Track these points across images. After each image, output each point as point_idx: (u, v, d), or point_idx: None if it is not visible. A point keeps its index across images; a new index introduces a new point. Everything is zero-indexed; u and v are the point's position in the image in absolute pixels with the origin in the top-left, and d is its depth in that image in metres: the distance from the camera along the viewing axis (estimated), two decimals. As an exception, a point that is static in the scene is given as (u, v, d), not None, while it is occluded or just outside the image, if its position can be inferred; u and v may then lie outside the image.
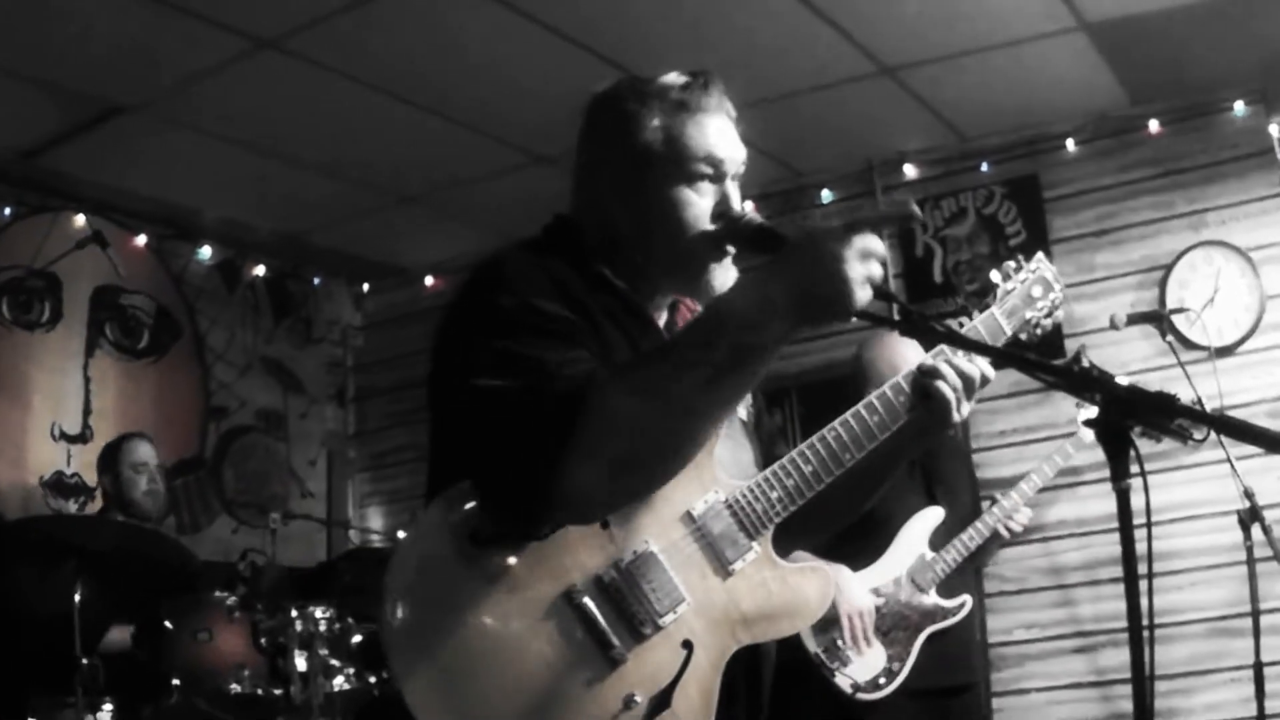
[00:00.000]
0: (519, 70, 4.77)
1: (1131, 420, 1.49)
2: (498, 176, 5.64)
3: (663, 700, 1.64)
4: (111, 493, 4.96)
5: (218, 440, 6.28)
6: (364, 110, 5.01)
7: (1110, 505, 1.50)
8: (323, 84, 4.78)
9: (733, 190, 1.80)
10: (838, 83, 5.01)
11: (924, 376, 1.86)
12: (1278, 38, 4.72)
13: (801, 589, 1.81)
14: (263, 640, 4.08)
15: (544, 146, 5.30)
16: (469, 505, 1.62)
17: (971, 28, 4.62)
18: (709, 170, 1.78)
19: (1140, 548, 1.47)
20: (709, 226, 1.77)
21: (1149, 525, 1.49)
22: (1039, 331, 2.02)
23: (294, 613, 4.06)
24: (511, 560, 1.60)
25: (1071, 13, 4.55)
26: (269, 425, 6.54)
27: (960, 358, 1.87)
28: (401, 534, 5.85)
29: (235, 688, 3.98)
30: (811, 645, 3.44)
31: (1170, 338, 4.57)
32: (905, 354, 3.49)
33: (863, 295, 1.51)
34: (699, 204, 1.77)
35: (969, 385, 1.86)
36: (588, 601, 1.63)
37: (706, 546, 1.74)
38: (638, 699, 1.63)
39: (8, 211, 5.48)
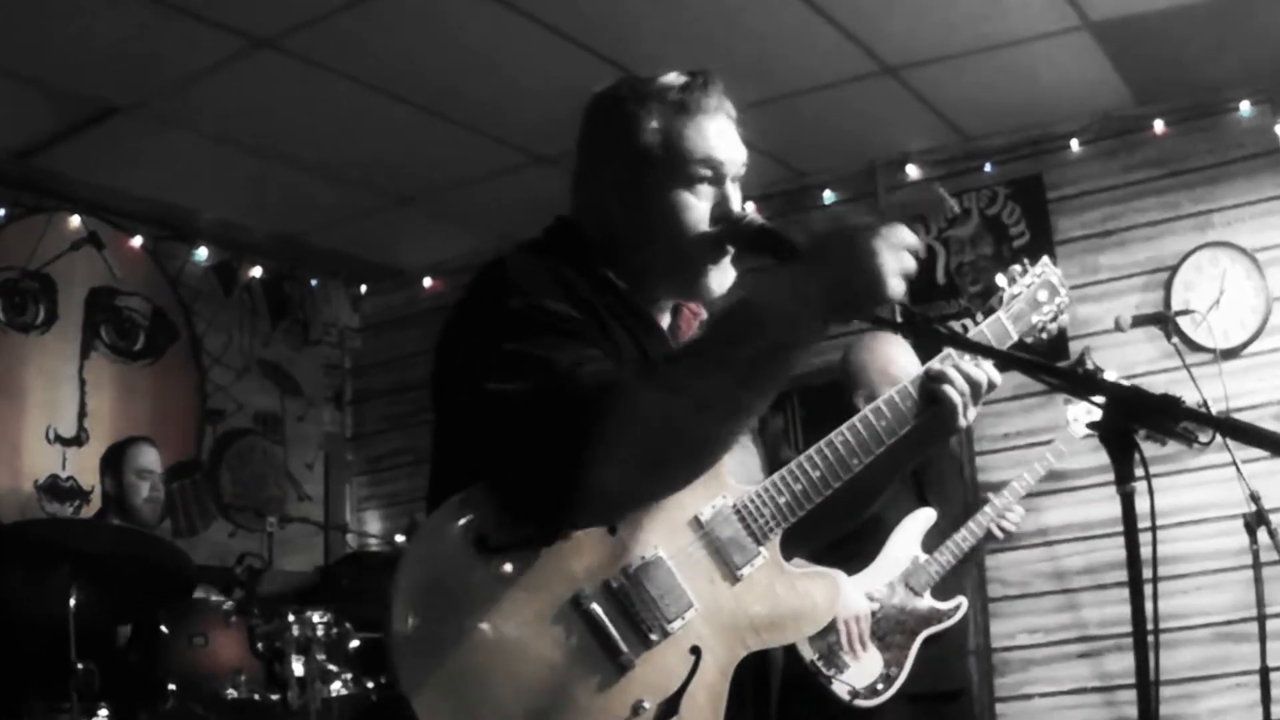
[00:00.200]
0: (519, 70, 4.76)
1: (1136, 423, 1.50)
2: (497, 177, 5.62)
3: (671, 707, 1.63)
4: (112, 495, 4.92)
5: (214, 443, 6.26)
6: (362, 110, 4.99)
7: (1114, 509, 1.51)
8: (320, 84, 4.76)
9: (733, 192, 1.79)
10: (840, 82, 4.99)
11: (931, 381, 1.86)
12: (1283, 37, 4.71)
13: (810, 594, 1.81)
14: (259, 645, 4.06)
15: (544, 146, 5.27)
16: (476, 510, 1.60)
17: (975, 27, 4.61)
18: (708, 173, 1.76)
19: (1145, 552, 1.47)
20: (707, 229, 1.76)
21: (1154, 529, 1.48)
22: (1044, 336, 2.03)
23: (291, 617, 4.04)
24: (520, 566, 1.59)
25: (1076, 12, 4.53)
26: (266, 428, 6.53)
27: (967, 363, 1.88)
28: (400, 538, 5.85)
29: (232, 693, 3.96)
30: (807, 652, 3.41)
31: (1175, 340, 4.54)
32: (895, 356, 3.48)
33: (897, 287, 1.52)
34: (698, 207, 1.76)
35: (976, 391, 1.89)
36: (596, 607, 1.62)
37: (714, 552, 1.73)
38: (646, 705, 1.62)
39: (2, 212, 5.47)
